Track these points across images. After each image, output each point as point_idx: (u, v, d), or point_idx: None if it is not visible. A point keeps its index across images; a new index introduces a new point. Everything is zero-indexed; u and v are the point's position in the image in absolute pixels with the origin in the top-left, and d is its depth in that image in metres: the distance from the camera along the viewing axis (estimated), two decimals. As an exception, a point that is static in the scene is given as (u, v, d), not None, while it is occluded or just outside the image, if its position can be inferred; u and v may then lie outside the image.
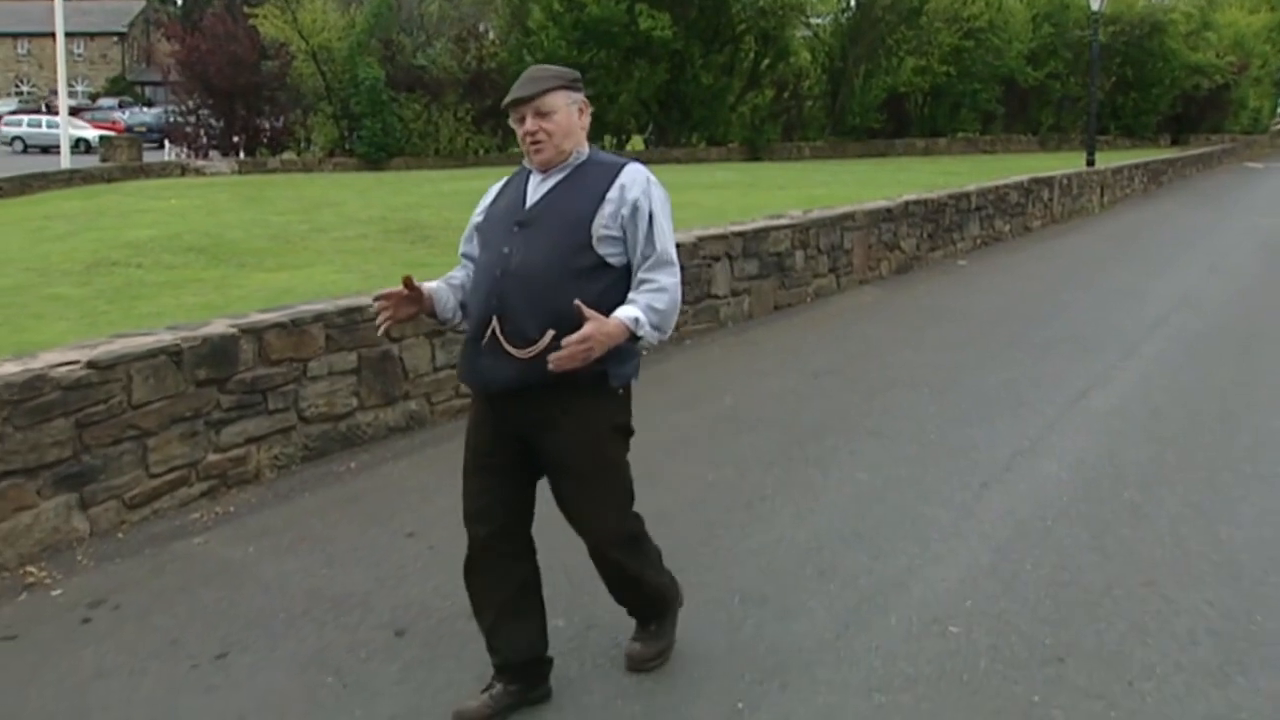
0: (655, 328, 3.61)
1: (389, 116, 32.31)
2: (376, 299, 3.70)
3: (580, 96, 3.81)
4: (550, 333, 3.53)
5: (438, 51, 34.59)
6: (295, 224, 15.07)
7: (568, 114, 3.74)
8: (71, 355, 5.69)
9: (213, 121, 34.43)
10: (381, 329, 3.70)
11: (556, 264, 3.61)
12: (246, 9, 35.06)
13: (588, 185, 3.73)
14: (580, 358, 3.42)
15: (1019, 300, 12.99)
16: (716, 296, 10.61)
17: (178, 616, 4.70)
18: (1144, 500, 6.13)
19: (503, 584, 3.83)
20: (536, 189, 3.79)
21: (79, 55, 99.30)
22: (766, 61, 40.44)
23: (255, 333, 6.38)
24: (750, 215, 12.95)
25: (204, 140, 34.35)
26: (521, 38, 35.14)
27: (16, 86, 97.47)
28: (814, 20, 42.56)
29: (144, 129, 55.26)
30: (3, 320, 8.78)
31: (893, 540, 5.44)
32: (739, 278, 10.96)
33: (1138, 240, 20.02)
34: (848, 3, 43.00)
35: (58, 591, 5.01)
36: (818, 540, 5.42)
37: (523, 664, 3.87)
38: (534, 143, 3.71)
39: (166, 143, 40.59)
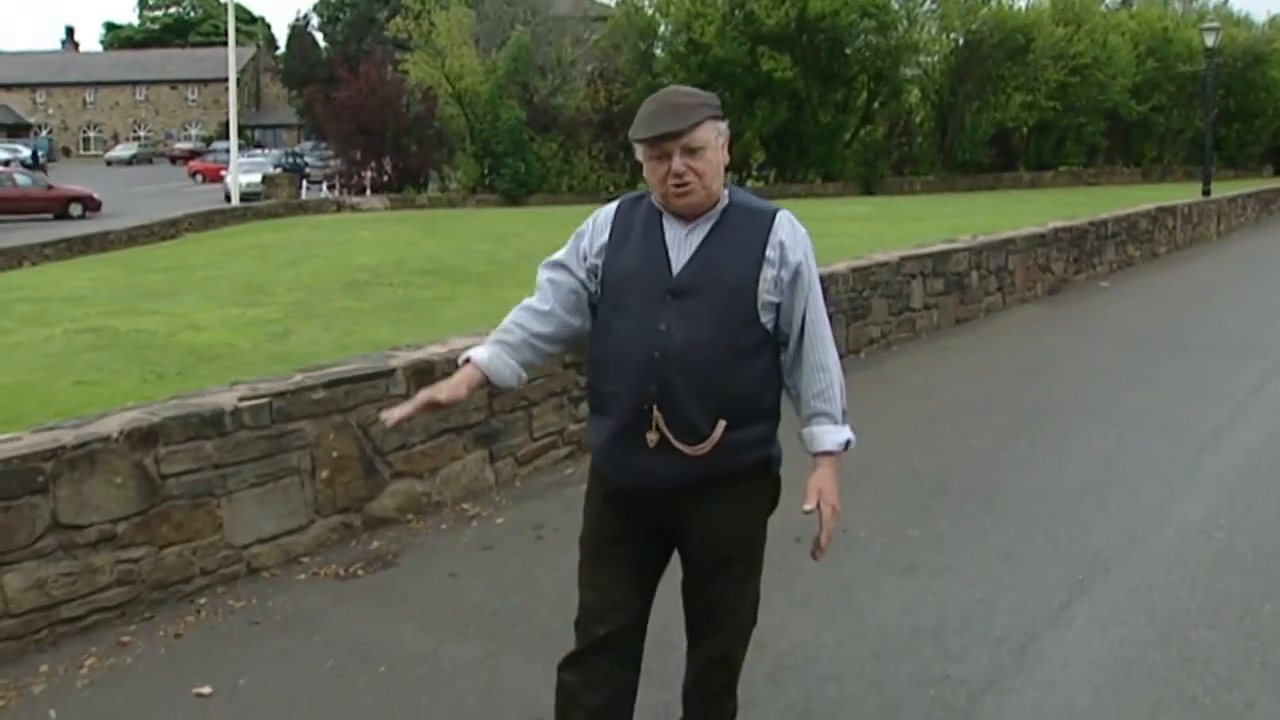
0: (846, 420, 3.37)
1: (529, 155, 34.24)
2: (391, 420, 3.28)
3: (725, 126, 3.26)
4: (722, 424, 3.15)
5: (571, 93, 36.52)
6: (498, 251, 16.74)
7: (717, 149, 3.20)
8: (470, 341, 7.22)
9: (362, 159, 36.60)
10: (391, 421, 3.27)
11: (723, 343, 3.16)
12: (397, 55, 37.35)
13: (742, 240, 3.23)
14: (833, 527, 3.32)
15: (1168, 315, 14.23)
16: (913, 309, 12.03)
17: (608, 532, 6.17)
18: (1335, 462, 7.47)
19: (600, 689, 3.38)
20: (681, 244, 3.24)
21: (193, 101, 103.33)
22: (879, 100, 41.92)
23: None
24: (906, 243, 14.31)
25: (357, 178, 36.53)
26: (649, 79, 36.96)
27: (134, 131, 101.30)
28: (923, 58, 43.92)
29: (271, 169, 57.75)
30: (326, 326, 10.44)
31: (1142, 485, 6.84)
32: (929, 293, 12.37)
33: (1262, 264, 21.16)
34: (956, 41, 44.27)
35: (500, 520, 6.52)
36: (1082, 485, 6.83)
37: None
38: (680, 185, 3.15)
39: (304, 181, 42.90)
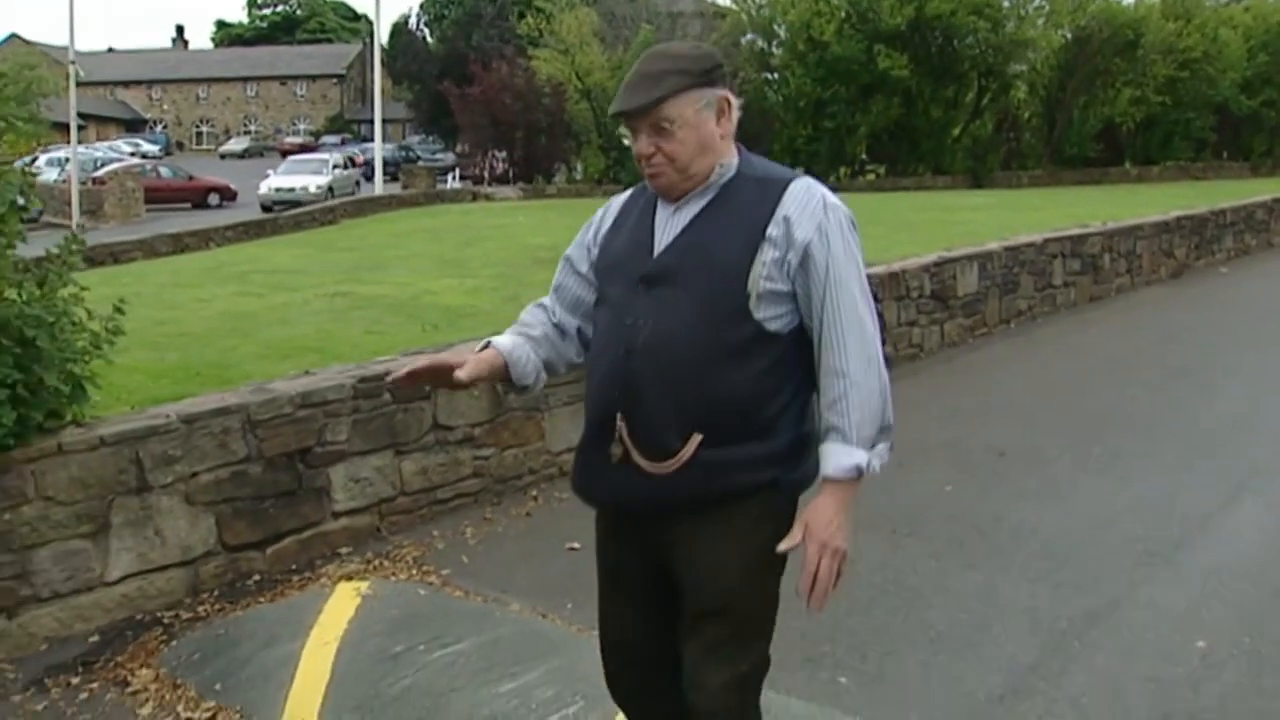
0: (879, 440, 2.67)
1: (654, 147, 35.86)
2: (401, 376, 2.90)
3: (718, 93, 2.72)
4: (696, 438, 2.66)
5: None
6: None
7: (698, 124, 2.69)
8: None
9: (497, 153, 38.52)
10: (396, 376, 2.91)
11: (701, 339, 2.67)
12: (530, 52, 39.28)
13: (739, 218, 2.72)
14: (835, 576, 2.68)
15: (1291, 294, 15.42)
16: (1054, 286, 13.32)
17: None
18: None
19: (626, 686, 3.10)
20: (667, 224, 2.79)
21: (301, 96, 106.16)
22: (989, 96, 42.87)
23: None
24: (1037, 229, 15.48)
25: (493, 170, 38.48)
26: (768, 75, 38.41)
27: (245, 126, 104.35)
28: (1031, 54, 44.65)
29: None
30: (547, 290, 11.93)
31: (1284, 416, 8.20)
32: (1068, 272, 13.65)
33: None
34: (1065, 37, 44.94)
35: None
36: (1230, 419, 8.17)
37: None
38: (649, 168, 2.73)
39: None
